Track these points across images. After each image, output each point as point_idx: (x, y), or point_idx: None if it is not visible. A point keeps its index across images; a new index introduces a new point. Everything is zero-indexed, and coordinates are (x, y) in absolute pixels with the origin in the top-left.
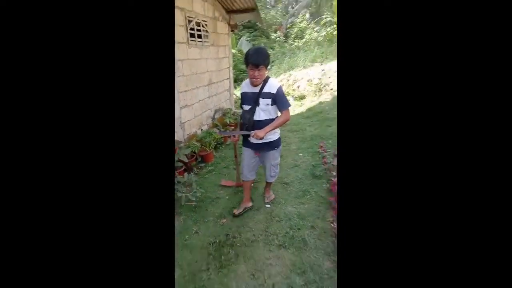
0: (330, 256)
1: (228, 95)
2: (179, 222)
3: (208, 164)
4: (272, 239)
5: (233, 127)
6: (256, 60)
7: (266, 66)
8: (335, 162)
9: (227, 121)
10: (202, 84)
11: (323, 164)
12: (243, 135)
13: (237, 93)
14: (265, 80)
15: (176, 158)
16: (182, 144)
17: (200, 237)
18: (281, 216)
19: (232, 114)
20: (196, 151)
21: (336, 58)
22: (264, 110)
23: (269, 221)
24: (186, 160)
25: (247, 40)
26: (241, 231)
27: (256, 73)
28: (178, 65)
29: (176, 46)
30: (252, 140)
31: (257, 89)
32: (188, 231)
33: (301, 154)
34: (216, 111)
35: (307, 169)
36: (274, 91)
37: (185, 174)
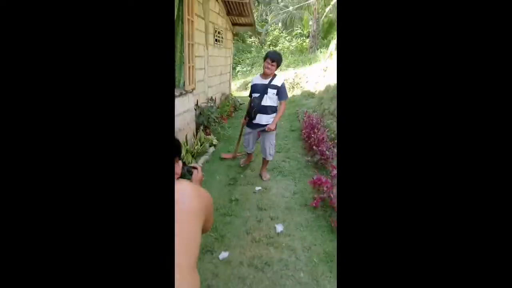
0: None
1: (228, 84)
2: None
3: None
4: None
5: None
6: (273, 56)
7: (278, 65)
8: (303, 117)
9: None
10: (216, 74)
11: (298, 121)
12: (248, 117)
13: (233, 82)
14: (273, 76)
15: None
16: (214, 109)
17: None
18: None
19: (230, 95)
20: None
21: (304, 64)
22: (270, 98)
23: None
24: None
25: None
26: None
27: (270, 65)
28: (207, 59)
29: (206, 47)
30: (255, 121)
31: (266, 81)
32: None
33: (282, 123)
34: (222, 94)
35: (287, 127)
36: (279, 84)
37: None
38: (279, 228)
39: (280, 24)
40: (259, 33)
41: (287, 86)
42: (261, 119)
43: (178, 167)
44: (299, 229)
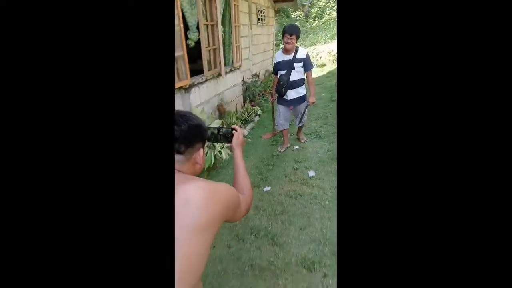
0: None
1: (271, 61)
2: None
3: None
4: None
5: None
6: (290, 30)
7: (297, 37)
8: None
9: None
10: (259, 52)
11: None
12: (278, 95)
13: None
14: (296, 49)
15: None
16: (258, 84)
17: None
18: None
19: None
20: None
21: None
22: (297, 72)
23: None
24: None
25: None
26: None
27: (290, 40)
28: (251, 38)
29: (250, 27)
30: (287, 98)
31: (290, 57)
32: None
33: (323, 94)
34: (266, 70)
35: (327, 98)
36: (304, 56)
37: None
38: (311, 173)
39: None
40: (303, 6)
41: (330, 58)
42: (291, 94)
43: (200, 156)
44: (328, 175)
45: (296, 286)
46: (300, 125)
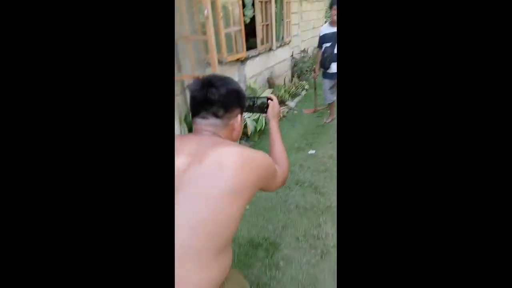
0: None
1: None
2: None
3: None
4: None
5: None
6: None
7: None
8: None
9: None
10: (309, 28)
11: None
12: (322, 68)
13: None
14: None
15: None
16: (306, 60)
17: None
18: None
19: None
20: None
21: None
22: None
23: None
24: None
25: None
26: None
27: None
28: (301, 14)
29: (300, 3)
30: (331, 71)
31: (335, 29)
32: None
33: None
34: (314, 47)
35: None
36: None
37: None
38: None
39: None
40: None
41: None
42: (336, 67)
43: (237, 123)
44: None
45: (333, 225)
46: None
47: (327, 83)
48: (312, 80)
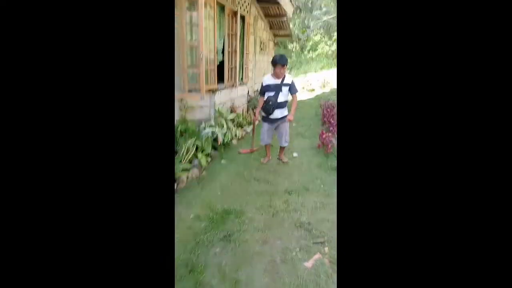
0: None
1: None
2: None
3: None
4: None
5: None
6: (282, 62)
7: (286, 66)
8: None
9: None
10: (260, 74)
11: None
12: (264, 113)
13: None
14: (284, 75)
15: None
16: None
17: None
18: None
19: None
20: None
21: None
22: (283, 95)
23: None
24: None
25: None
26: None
27: (282, 70)
28: (255, 63)
29: (254, 55)
30: (272, 117)
31: (278, 81)
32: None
33: (310, 110)
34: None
35: (312, 113)
36: (290, 82)
37: None
38: (295, 154)
39: (321, 30)
40: (299, 39)
41: (320, 85)
42: (277, 113)
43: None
44: (307, 155)
45: (279, 199)
46: (284, 145)
47: (265, 127)
48: (262, 114)
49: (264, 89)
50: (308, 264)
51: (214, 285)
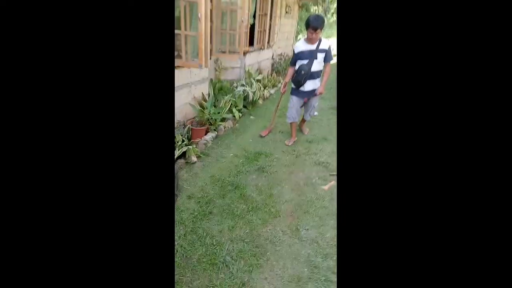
0: None
1: (291, 47)
2: None
3: None
4: None
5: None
6: (316, 24)
7: (321, 30)
8: None
9: None
10: (284, 38)
11: None
12: (295, 84)
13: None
14: (320, 40)
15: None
16: (282, 61)
17: None
18: None
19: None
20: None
21: None
22: (319, 63)
23: None
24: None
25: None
26: None
27: (314, 35)
28: (279, 26)
29: (280, 18)
30: (304, 89)
31: (313, 47)
32: None
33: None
34: (287, 55)
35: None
36: (327, 48)
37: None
38: (315, 113)
39: None
40: (324, 1)
41: None
42: (309, 85)
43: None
44: (326, 113)
45: (268, 184)
46: (308, 119)
47: (295, 100)
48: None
49: (296, 57)
50: (326, 187)
51: (254, 196)
